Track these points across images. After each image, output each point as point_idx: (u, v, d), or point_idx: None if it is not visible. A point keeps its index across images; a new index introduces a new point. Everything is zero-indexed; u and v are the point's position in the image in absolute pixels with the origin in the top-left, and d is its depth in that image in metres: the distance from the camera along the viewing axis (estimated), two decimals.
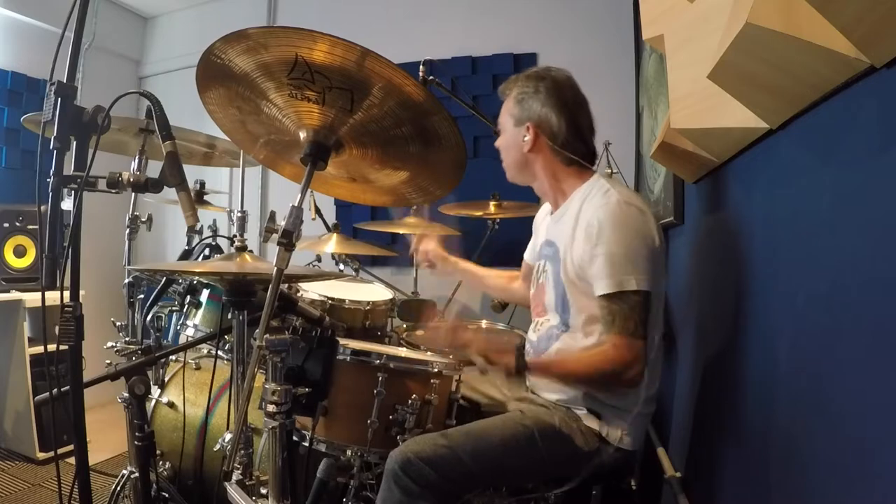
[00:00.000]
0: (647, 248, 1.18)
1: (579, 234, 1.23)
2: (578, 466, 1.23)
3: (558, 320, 1.31)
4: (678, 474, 1.46)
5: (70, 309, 0.92)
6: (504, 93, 1.42)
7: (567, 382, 1.25)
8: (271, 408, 1.00)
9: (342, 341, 1.33)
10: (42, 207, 0.93)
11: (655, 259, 1.20)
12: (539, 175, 1.38)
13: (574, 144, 1.34)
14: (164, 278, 1.71)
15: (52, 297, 0.92)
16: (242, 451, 1.21)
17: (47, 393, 1.00)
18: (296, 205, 0.96)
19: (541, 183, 1.40)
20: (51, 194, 0.91)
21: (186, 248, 2.16)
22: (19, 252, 2.61)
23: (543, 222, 1.51)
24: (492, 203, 2.34)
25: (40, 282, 0.91)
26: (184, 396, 1.73)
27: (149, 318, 1.72)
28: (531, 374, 1.25)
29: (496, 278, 1.76)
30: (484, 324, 2.15)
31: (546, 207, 1.53)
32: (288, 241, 0.94)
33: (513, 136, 1.38)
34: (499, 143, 1.44)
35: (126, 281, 1.73)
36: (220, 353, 1.70)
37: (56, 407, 0.98)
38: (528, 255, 1.64)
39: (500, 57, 2.93)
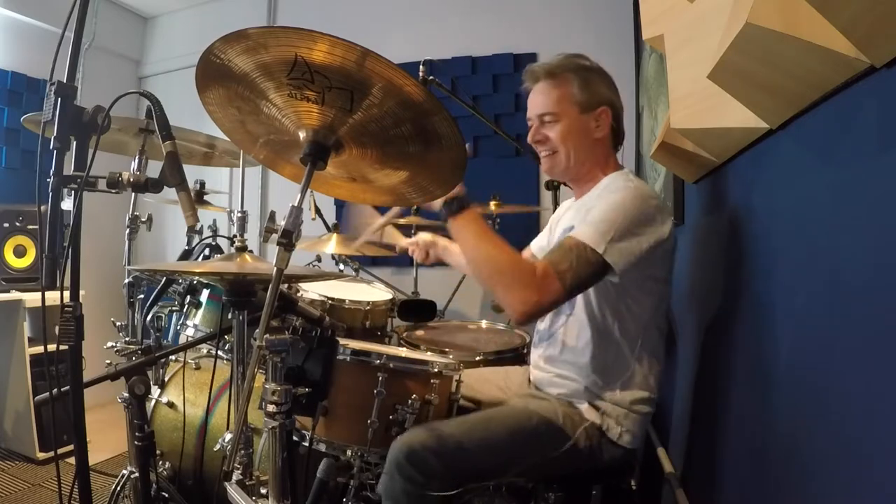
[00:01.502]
0: (643, 236, 1.14)
1: (590, 204, 1.22)
2: (580, 461, 1.23)
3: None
4: (678, 474, 1.46)
5: (70, 309, 0.92)
6: (551, 76, 1.32)
7: (475, 248, 1.17)
8: (271, 408, 1.00)
9: (342, 341, 1.33)
10: (42, 207, 0.93)
11: (653, 251, 1.15)
12: (592, 163, 1.34)
13: (622, 125, 1.36)
14: (164, 278, 1.71)
15: (52, 297, 0.92)
16: (242, 451, 1.21)
17: (47, 393, 1.00)
18: (296, 205, 0.96)
19: (588, 172, 1.35)
20: (51, 194, 0.91)
21: (186, 248, 2.16)
22: (19, 252, 2.61)
23: (565, 215, 1.50)
24: (492, 203, 2.34)
25: (40, 282, 0.91)
26: (184, 396, 1.73)
27: (149, 318, 1.72)
28: (466, 211, 1.15)
29: None
30: (484, 324, 2.15)
31: (566, 203, 1.53)
32: (288, 241, 0.94)
33: (580, 124, 1.30)
34: (552, 133, 1.32)
35: (126, 281, 1.73)
36: (220, 353, 1.70)
37: (56, 407, 0.98)
38: (535, 245, 1.64)
39: (500, 57, 2.93)
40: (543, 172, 1.42)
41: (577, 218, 1.32)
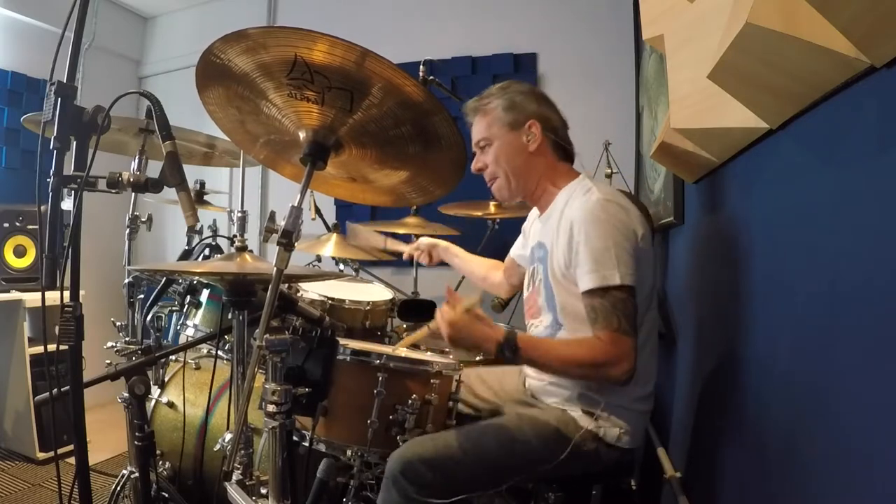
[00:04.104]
0: (629, 243, 1.17)
1: (562, 232, 1.24)
2: (578, 467, 1.23)
3: (551, 319, 1.32)
4: (678, 474, 1.46)
5: (70, 309, 0.92)
6: (478, 110, 1.37)
7: (551, 367, 1.20)
8: (271, 408, 1.00)
9: (342, 341, 1.33)
10: (42, 207, 0.93)
11: (639, 255, 1.19)
12: (537, 178, 1.37)
13: (567, 138, 1.38)
14: (164, 278, 1.71)
15: (52, 297, 0.92)
16: (242, 451, 1.21)
17: (47, 393, 1.00)
18: (296, 205, 0.96)
19: (536, 187, 1.38)
20: (51, 194, 0.91)
21: (186, 248, 2.16)
22: (19, 252, 2.61)
23: (533, 226, 1.52)
24: (492, 203, 2.34)
25: (40, 282, 0.91)
26: (184, 396, 1.73)
27: (149, 318, 1.72)
28: (519, 350, 1.15)
29: (477, 265, 1.79)
30: None
31: (534, 212, 1.54)
32: (288, 241, 0.94)
33: (511, 142, 1.34)
34: (488, 157, 1.36)
35: (126, 281, 1.73)
36: (220, 353, 1.70)
37: (56, 407, 0.98)
38: (515, 252, 1.65)
39: (500, 57, 2.93)
40: (498, 200, 1.44)
41: (546, 236, 1.34)
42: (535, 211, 1.53)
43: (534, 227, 1.50)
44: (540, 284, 1.36)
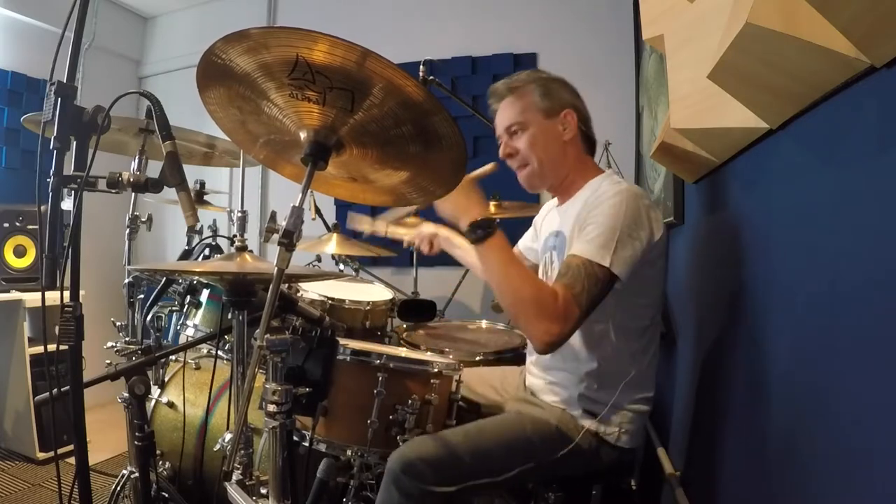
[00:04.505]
0: (637, 240, 1.15)
1: (583, 213, 1.23)
2: (578, 466, 1.23)
3: None
4: (678, 474, 1.46)
5: (70, 309, 0.92)
6: (511, 91, 1.35)
7: (498, 280, 1.16)
8: (271, 408, 1.00)
9: (342, 341, 1.33)
10: (42, 207, 0.93)
11: (647, 257, 1.17)
12: (568, 168, 1.35)
13: (593, 130, 1.39)
14: (164, 278, 1.71)
15: (52, 297, 0.92)
16: (242, 451, 1.21)
17: (47, 393, 1.00)
18: (296, 205, 0.96)
19: (566, 177, 1.36)
20: (51, 194, 0.91)
21: (186, 248, 2.16)
22: (19, 252, 2.61)
23: (547, 217, 1.51)
24: (492, 203, 2.34)
25: (40, 282, 0.91)
26: (184, 396, 1.73)
27: (149, 318, 1.72)
28: (492, 238, 1.15)
29: None
30: (484, 324, 2.15)
31: (549, 205, 1.53)
32: (289, 241, 0.94)
33: (547, 130, 1.32)
34: (520, 143, 1.33)
35: (126, 281, 1.73)
36: (220, 353, 1.70)
37: (56, 407, 0.98)
38: (523, 244, 1.65)
39: (500, 57, 2.93)
40: (525, 188, 1.40)
41: (565, 224, 1.33)
42: (549, 203, 1.53)
43: (549, 217, 1.49)
44: (553, 272, 1.35)
